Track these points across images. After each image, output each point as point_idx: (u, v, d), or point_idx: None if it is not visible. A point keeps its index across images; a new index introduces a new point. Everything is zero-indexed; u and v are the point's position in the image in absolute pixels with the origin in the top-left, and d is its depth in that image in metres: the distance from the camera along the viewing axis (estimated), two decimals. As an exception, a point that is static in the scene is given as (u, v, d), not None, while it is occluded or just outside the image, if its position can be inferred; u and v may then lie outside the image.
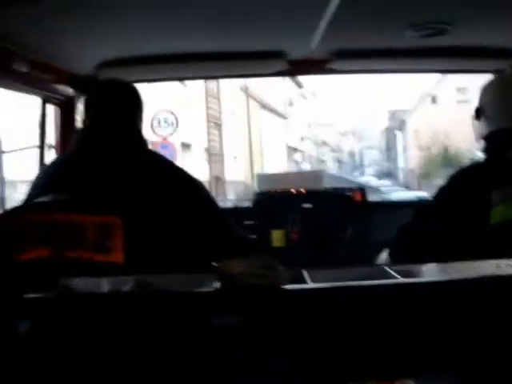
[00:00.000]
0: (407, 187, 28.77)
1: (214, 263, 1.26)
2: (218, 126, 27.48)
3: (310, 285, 1.29)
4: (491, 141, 1.90)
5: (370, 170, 78.76)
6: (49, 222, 1.57)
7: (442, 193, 1.89)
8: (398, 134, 49.46)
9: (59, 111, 2.69)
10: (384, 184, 26.44)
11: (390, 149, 79.03)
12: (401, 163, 48.82)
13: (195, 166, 23.24)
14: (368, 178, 32.86)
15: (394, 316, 1.20)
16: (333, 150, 77.50)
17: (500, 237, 1.69)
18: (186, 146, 22.97)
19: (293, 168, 44.30)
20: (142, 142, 1.89)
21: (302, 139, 49.98)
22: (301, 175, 3.12)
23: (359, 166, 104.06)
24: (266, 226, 2.91)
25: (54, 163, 1.97)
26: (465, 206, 1.79)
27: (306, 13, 1.82)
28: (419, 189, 28.79)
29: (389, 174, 61.53)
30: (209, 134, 26.17)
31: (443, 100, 34.25)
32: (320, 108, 59.57)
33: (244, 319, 1.20)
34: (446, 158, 30.15)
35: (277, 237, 2.87)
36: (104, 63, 2.42)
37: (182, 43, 2.27)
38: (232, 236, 1.82)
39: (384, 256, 2.00)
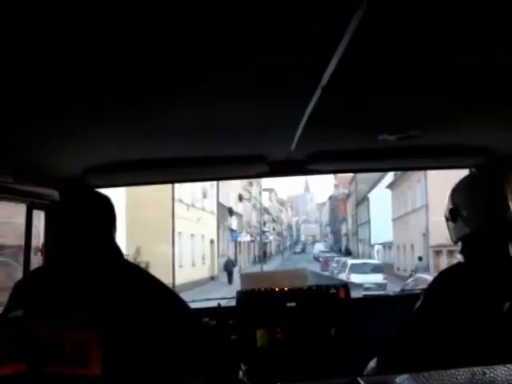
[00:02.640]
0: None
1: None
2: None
3: None
4: (470, 244, 1.87)
5: (320, 246, 75.68)
6: (24, 337, 1.57)
7: (426, 302, 1.84)
8: (382, 194, 42.25)
9: (45, 215, 2.73)
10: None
11: (336, 221, 75.31)
12: (381, 237, 41.65)
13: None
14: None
15: None
16: (273, 221, 69.00)
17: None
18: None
19: (226, 236, 36.07)
20: (117, 251, 1.92)
21: (241, 199, 40.45)
22: (285, 274, 3.13)
23: (298, 241, 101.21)
24: (250, 325, 2.90)
25: (31, 275, 2.00)
26: (446, 319, 1.74)
27: (285, 120, 1.90)
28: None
29: (348, 252, 55.22)
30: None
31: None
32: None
33: None
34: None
35: (261, 336, 2.86)
36: (90, 168, 2.47)
37: (165, 150, 2.35)
38: (204, 341, 1.86)
39: (372, 365, 1.95)
